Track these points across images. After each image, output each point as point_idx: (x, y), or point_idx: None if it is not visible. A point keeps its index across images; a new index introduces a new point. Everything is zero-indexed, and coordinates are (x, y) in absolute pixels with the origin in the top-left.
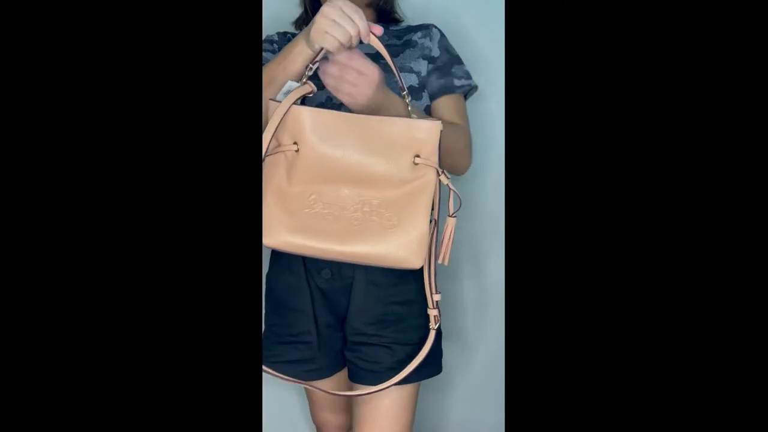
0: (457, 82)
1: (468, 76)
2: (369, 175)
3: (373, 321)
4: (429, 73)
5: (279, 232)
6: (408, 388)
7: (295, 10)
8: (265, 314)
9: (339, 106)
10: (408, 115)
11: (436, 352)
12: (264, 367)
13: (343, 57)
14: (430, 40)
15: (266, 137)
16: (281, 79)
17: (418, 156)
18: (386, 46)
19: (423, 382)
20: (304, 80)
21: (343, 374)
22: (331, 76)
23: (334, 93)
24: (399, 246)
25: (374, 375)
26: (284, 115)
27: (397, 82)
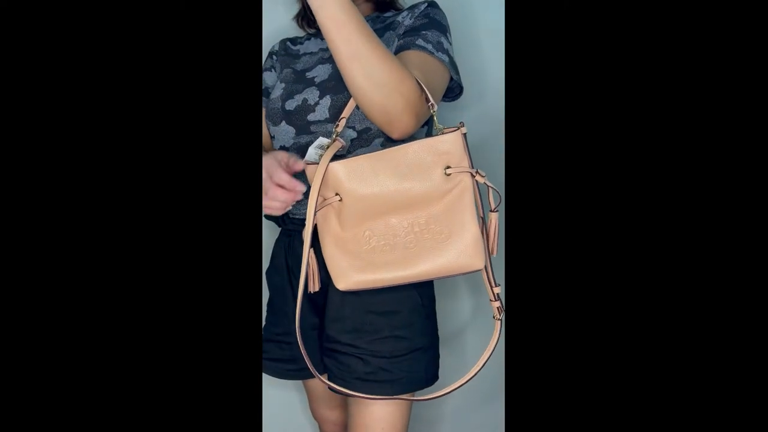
0: (419, 42)
1: (440, 49)
2: (409, 199)
3: (348, 329)
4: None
5: (348, 275)
6: (397, 400)
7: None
8: (267, 313)
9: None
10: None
11: (429, 363)
12: None
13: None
14: (411, 17)
15: (312, 197)
16: None
17: (448, 167)
18: None
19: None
20: (334, 137)
21: None
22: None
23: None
24: (458, 254)
25: (345, 383)
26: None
27: None
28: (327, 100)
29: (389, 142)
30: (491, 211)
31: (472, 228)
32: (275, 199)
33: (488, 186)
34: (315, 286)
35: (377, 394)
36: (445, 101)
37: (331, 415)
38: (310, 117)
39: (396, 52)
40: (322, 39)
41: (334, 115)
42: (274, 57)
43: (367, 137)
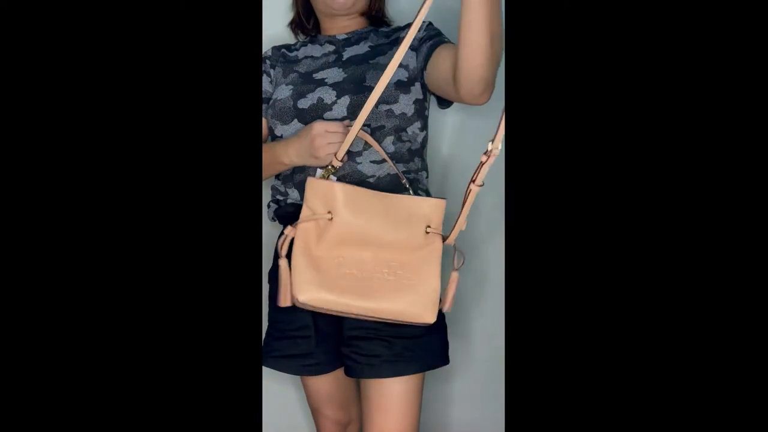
0: (446, 39)
1: None
2: (389, 241)
3: None
4: (419, 49)
5: (310, 290)
6: (415, 379)
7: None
8: (269, 312)
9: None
10: None
11: (443, 343)
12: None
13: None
14: (417, 32)
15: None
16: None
17: (429, 226)
18: (376, 46)
19: (427, 377)
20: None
21: (342, 371)
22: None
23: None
24: (414, 302)
25: (371, 368)
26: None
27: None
28: (346, 100)
29: (399, 141)
30: (454, 270)
31: (434, 284)
32: (333, 141)
33: (455, 248)
34: (286, 301)
35: (403, 373)
36: (442, 108)
37: (332, 413)
38: (327, 115)
39: (432, 49)
40: (321, 45)
41: (352, 113)
42: (268, 62)
43: (380, 134)
